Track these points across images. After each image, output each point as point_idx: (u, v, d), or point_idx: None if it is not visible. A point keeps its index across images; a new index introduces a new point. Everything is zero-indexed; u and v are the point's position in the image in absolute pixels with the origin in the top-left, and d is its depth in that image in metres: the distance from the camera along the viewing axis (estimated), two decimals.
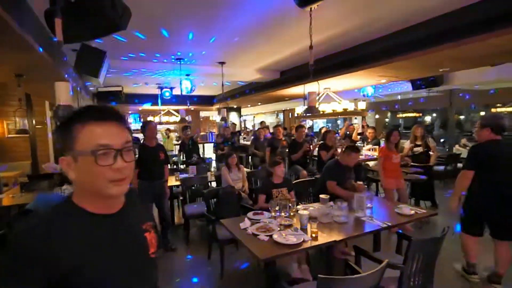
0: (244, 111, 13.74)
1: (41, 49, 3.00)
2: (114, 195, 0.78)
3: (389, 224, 2.42)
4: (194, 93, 7.17)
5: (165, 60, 5.22)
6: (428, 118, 9.51)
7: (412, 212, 2.64)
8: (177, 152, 7.28)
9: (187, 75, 5.81)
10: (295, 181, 3.81)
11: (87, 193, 0.77)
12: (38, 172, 6.37)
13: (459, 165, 5.73)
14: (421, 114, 9.16)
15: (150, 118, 8.62)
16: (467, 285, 2.75)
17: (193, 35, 3.94)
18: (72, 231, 0.74)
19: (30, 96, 6.37)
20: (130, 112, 12.75)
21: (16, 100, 6.32)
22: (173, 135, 11.33)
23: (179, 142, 7.33)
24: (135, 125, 12.47)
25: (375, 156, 5.16)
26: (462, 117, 8.08)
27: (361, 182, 3.37)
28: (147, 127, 3.61)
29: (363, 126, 7.76)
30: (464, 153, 6.43)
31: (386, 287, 2.00)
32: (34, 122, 6.70)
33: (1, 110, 6.78)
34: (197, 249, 3.63)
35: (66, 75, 4.33)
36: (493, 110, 7.02)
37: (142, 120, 12.10)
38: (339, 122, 13.51)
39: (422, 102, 8.51)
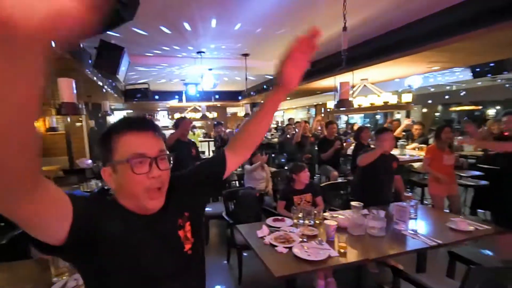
0: None
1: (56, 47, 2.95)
2: (150, 209, 0.85)
3: (439, 242, 1.98)
4: (220, 89, 7.09)
5: (184, 54, 5.13)
6: (489, 112, 8.18)
7: (471, 228, 2.14)
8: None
9: (210, 69, 5.73)
10: (323, 184, 3.44)
11: (125, 200, 0.85)
12: (73, 167, 6.82)
13: None
14: (480, 107, 8.00)
15: (177, 115, 8.89)
16: None
17: (216, 24, 3.74)
18: (114, 216, 0.81)
19: None
20: (159, 109, 13.18)
21: (55, 99, 6.90)
22: (200, 131, 11.49)
23: (212, 138, 7.42)
24: (164, 122, 12.99)
25: (421, 157, 4.54)
26: None
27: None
28: (182, 122, 3.86)
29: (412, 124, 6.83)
30: None
31: None
32: (69, 119, 7.12)
33: (43, 108, 7.36)
34: (217, 251, 3.56)
35: (92, 74, 4.42)
36: None
37: (170, 117, 12.65)
38: (378, 117, 12.55)
39: (483, 93, 7.43)
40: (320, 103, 12.32)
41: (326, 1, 3.06)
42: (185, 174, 1.04)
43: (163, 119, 13.33)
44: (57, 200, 0.66)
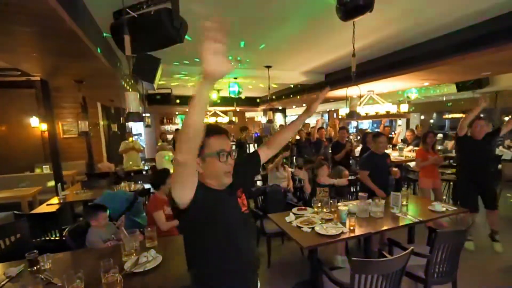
0: (289, 111, 14.44)
1: (103, 58, 3.53)
2: (225, 184, 1.38)
3: (421, 219, 2.90)
4: (240, 95, 7.70)
5: None
6: None
7: (443, 209, 3.10)
8: None
9: (235, 78, 6.44)
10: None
11: (210, 180, 1.36)
12: (93, 170, 7.34)
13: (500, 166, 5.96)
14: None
15: None
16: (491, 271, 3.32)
17: (244, 44, 4.53)
18: (207, 191, 1.31)
19: (85, 99, 6.97)
20: (177, 113, 13.95)
21: (70, 102, 7.27)
22: None
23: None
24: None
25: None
26: (507, 118, 8.09)
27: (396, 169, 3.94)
28: None
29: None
30: (507, 154, 6.74)
31: (414, 273, 2.51)
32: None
33: (57, 112, 7.40)
34: None
35: (121, 80, 5.03)
36: None
37: None
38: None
39: (465, 103, 9.02)
40: (333, 109, 13.24)
41: (338, 28, 3.82)
42: (238, 162, 1.48)
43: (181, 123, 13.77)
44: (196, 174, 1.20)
